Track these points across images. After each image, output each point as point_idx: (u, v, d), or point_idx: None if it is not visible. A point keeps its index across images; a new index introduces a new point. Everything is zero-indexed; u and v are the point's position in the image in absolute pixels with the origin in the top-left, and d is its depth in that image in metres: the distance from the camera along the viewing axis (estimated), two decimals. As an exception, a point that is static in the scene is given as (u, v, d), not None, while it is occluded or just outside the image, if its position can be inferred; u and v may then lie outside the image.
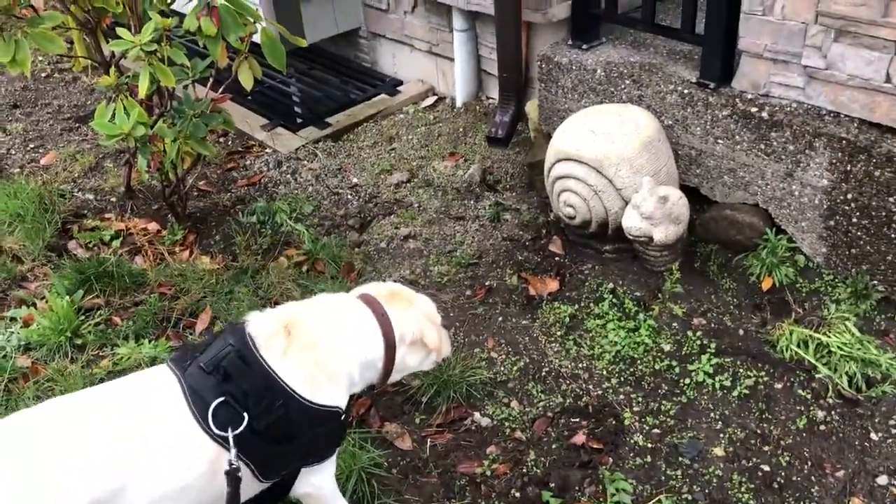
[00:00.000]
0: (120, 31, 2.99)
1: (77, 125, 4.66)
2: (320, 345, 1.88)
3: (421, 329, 2.04)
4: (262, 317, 1.91)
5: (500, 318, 3.13)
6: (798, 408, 2.65)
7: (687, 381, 2.78)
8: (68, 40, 3.67)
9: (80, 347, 3.02)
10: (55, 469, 1.61)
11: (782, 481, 2.44)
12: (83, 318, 3.14)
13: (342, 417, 1.94)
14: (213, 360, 1.79)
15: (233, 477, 1.73)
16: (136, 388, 1.84)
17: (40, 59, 5.45)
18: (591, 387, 2.80)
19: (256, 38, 3.19)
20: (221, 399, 1.75)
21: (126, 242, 3.62)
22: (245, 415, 1.76)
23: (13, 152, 4.40)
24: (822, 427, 2.58)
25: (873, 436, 2.54)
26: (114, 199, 3.93)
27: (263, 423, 1.78)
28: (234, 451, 1.73)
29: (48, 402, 1.81)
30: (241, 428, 1.75)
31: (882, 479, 2.42)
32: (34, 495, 1.58)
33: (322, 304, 2.01)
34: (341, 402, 1.92)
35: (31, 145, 4.47)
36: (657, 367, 2.84)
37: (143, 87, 2.96)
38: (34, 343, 3.04)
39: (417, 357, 2.08)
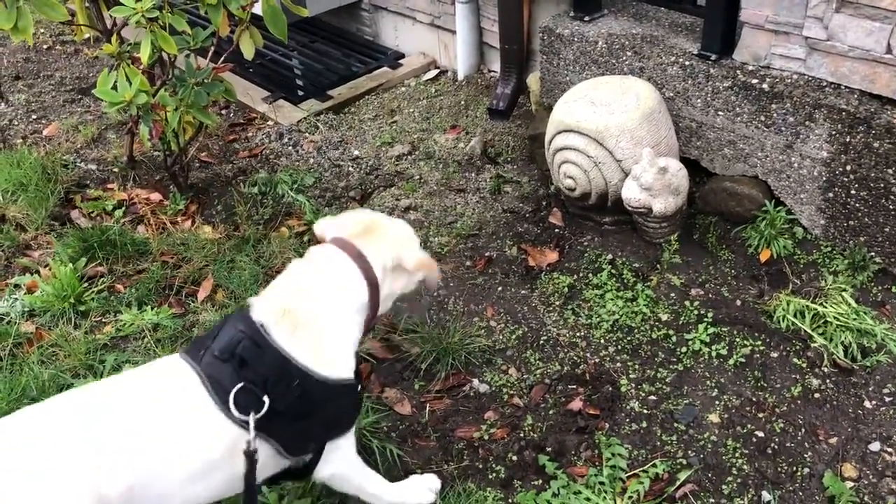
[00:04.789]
0: (122, -3, 2.99)
1: (79, 97, 4.67)
2: (321, 318, 1.93)
3: (398, 253, 2.07)
4: (263, 301, 1.95)
5: (500, 288, 3.16)
6: (793, 376, 2.68)
7: (683, 349, 2.80)
8: (71, 13, 3.66)
9: (83, 314, 3.05)
10: (87, 460, 1.65)
11: (776, 447, 2.47)
12: (86, 285, 3.16)
13: (357, 388, 2.00)
14: (227, 347, 1.84)
15: (249, 458, 1.79)
16: (154, 380, 1.87)
17: (42, 31, 5.45)
18: (588, 355, 2.83)
19: (258, 10, 3.19)
20: (241, 385, 1.80)
21: (129, 212, 3.64)
22: (265, 398, 1.81)
23: (16, 123, 4.41)
24: (817, 395, 2.61)
25: (867, 404, 2.57)
26: (116, 170, 3.94)
27: (283, 403, 1.84)
28: (252, 433, 1.79)
29: (68, 393, 1.83)
30: (262, 411, 1.80)
31: (874, 446, 2.45)
32: (67, 488, 1.61)
33: (305, 272, 2.02)
34: (351, 366, 1.97)
35: (34, 116, 4.48)
36: (654, 335, 2.86)
37: (144, 55, 2.96)
38: (38, 309, 3.07)
39: (402, 281, 2.12)
